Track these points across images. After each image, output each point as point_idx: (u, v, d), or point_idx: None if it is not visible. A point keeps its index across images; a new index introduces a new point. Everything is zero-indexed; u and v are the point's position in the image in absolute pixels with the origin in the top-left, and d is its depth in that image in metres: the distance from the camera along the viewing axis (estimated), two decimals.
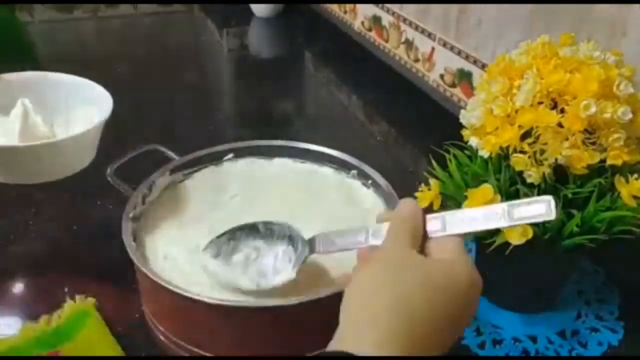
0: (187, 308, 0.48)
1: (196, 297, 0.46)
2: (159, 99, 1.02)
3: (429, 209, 0.53)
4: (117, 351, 0.53)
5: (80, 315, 0.56)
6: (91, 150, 0.68)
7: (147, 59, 1.22)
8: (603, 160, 0.48)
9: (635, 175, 0.48)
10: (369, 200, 0.61)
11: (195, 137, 0.90)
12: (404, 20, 1.03)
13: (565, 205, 0.48)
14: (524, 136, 0.48)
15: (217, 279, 0.50)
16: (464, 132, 0.55)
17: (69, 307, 0.56)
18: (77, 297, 0.58)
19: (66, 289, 0.59)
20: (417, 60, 1.02)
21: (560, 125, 0.47)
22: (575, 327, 0.57)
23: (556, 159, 0.47)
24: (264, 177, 0.64)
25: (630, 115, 0.47)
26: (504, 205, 0.39)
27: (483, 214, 0.40)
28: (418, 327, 0.34)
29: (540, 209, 0.37)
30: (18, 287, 0.63)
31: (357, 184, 0.63)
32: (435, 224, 0.41)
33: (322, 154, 0.65)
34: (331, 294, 0.47)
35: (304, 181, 0.63)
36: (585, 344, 0.56)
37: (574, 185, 0.49)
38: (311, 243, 0.48)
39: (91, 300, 0.57)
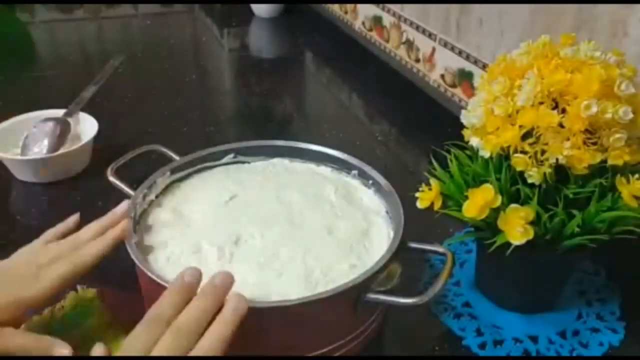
0: None
1: None
2: (159, 99, 1.02)
3: (429, 209, 0.53)
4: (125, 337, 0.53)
5: (84, 303, 0.56)
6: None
7: (148, 59, 1.22)
8: (604, 161, 0.48)
9: (637, 176, 0.48)
10: (369, 200, 0.61)
11: (195, 137, 0.90)
12: (405, 20, 1.03)
13: (566, 206, 0.48)
14: (525, 136, 0.48)
15: None
16: (465, 132, 0.55)
17: (72, 297, 0.57)
18: (79, 287, 0.58)
19: (66, 289, 0.59)
20: (417, 61, 1.02)
21: (561, 125, 0.47)
22: (576, 327, 0.57)
23: (557, 159, 0.47)
24: (264, 176, 0.64)
25: (631, 116, 0.47)
26: None
27: None
28: None
29: None
30: None
31: (357, 183, 0.63)
32: None
33: (322, 153, 0.65)
34: (332, 294, 0.47)
35: (303, 181, 0.63)
36: (586, 344, 0.56)
37: (575, 186, 0.49)
38: None
39: (92, 290, 0.58)
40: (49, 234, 0.54)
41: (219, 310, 0.44)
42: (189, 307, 0.44)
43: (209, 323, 0.43)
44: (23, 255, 0.51)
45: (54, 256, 0.50)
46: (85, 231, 0.53)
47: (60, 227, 0.55)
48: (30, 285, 0.47)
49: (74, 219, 0.56)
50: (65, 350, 0.46)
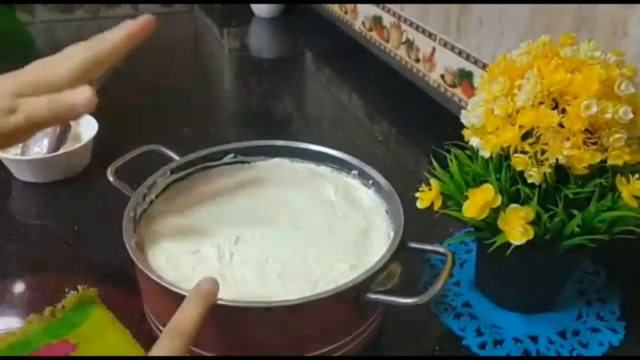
0: None
1: None
2: (159, 98, 1.02)
3: (429, 209, 0.53)
4: (126, 336, 0.54)
5: (85, 303, 0.57)
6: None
7: (148, 59, 1.22)
8: (604, 161, 0.48)
9: (637, 176, 0.48)
10: (369, 200, 0.61)
11: (195, 137, 0.90)
12: (405, 20, 1.03)
13: (566, 206, 0.48)
14: (525, 136, 0.48)
15: None
16: (465, 132, 0.55)
17: (72, 296, 0.57)
18: (80, 287, 0.58)
19: (67, 289, 0.59)
20: (417, 61, 1.02)
21: (561, 125, 0.47)
22: (576, 327, 0.57)
23: (557, 159, 0.47)
24: (264, 177, 0.64)
25: (631, 116, 0.47)
26: None
27: None
28: None
29: None
30: (18, 288, 0.62)
31: (357, 183, 0.63)
32: None
33: (322, 153, 0.65)
34: (332, 294, 0.47)
35: (304, 181, 0.63)
36: (586, 344, 0.56)
37: (575, 186, 0.49)
38: None
39: (92, 290, 0.58)
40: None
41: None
42: None
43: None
44: None
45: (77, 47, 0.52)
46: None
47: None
48: (57, 66, 0.50)
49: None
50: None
